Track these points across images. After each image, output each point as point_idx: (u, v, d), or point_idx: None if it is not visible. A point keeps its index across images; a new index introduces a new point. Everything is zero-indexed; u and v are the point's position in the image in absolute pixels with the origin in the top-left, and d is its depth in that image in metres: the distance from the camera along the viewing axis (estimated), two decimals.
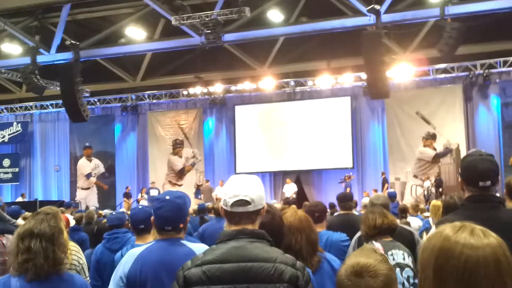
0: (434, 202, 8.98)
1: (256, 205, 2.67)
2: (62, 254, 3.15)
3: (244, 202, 2.65)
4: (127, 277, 3.31)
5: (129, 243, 5.44)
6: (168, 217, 3.39)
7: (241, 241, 2.60)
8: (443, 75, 21.93)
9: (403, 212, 9.08)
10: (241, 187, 2.68)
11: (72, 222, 8.41)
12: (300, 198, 20.89)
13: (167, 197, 3.45)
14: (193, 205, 14.07)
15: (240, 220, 2.67)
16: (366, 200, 9.28)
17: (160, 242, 3.43)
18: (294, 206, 7.42)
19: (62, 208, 12.12)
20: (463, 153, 20.56)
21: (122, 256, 3.92)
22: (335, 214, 8.22)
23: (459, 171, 3.26)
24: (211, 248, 2.68)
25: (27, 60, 20.94)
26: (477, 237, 1.55)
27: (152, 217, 3.51)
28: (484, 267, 1.50)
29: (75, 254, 4.82)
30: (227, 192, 2.70)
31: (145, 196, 22.70)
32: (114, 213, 6.49)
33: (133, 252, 3.44)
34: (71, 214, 11.30)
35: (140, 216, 4.81)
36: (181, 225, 3.45)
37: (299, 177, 23.85)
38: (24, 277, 3.04)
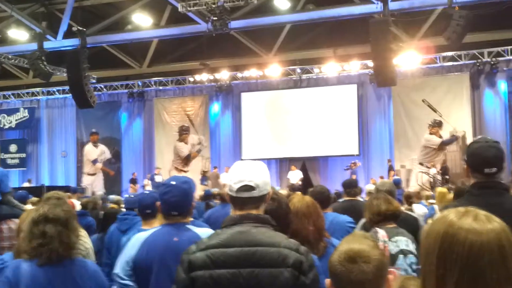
0: (440, 189, 9.00)
1: (261, 191, 2.68)
2: (75, 238, 3.17)
3: (248, 188, 2.66)
4: (134, 261, 3.35)
5: (136, 226, 5.57)
6: (175, 202, 3.42)
7: (245, 226, 2.62)
8: (450, 63, 21.82)
9: (408, 198, 9.09)
10: (246, 173, 2.70)
11: (78, 208, 8.48)
12: (306, 185, 20.86)
13: (173, 182, 3.48)
14: (199, 191, 14.14)
15: (245, 205, 2.68)
16: (370, 187, 9.30)
17: (166, 226, 3.46)
18: (299, 192, 7.46)
19: (68, 193, 12.19)
20: (469, 141, 20.50)
21: (128, 240, 3.95)
22: (340, 200, 8.25)
23: (465, 157, 3.27)
24: (216, 233, 2.70)
25: (34, 46, 20.94)
26: (481, 222, 1.52)
27: (158, 202, 3.54)
28: (488, 253, 1.48)
29: (81, 239, 4.85)
30: (232, 178, 2.71)
31: (146, 181, 22.77)
32: (132, 195, 6.60)
33: (139, 237, 3.48)
34: (78, 199, 11.36)
35: (147, 201, 4.86)
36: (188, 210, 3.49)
37: (304, 164, 23.85)
38: (37, 262, 3.04)
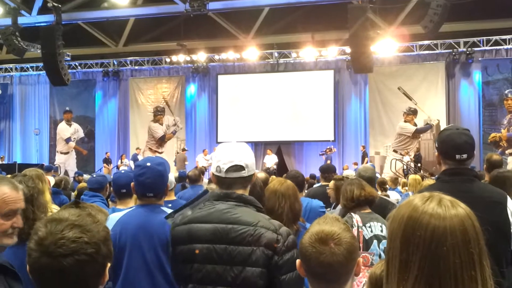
0: (414, 176, 9.08)
1: (249, 171, 2.73)
2: (42, 214, 3.11)
3: (239, 168, 2.70)
4: None
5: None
6: (150, 184, 3.39)
7: (227, 204, 2.67)
8: (426, 52, 21.96)
9: (382, 184, 9.14)
10: (236, 153, 2.72)
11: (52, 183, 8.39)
12: (281, 169, 20.96)
13: (148, 164, 3.43)
14: (174, 173, 14.05)
15: (232, 185, 2.72)
16: (346, 173, 9.33)
17: (140, 207, 3.44)
18: (274, 176, 7.48)
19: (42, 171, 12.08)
20: None
21: None
22: (316, 185, 8.25)
23: (436, 144, 3.29)
24: (199, 207, 2.75)
25: (8, 21, 20.59)
26: (445, 207, 1.53)
27: (132, 183, 3.50)
28: (451, 237, 1.48)
29: None
30: (220, 158, 2.72)
31: (126, 161, 22.63)
32: (95, 175, 6.40)
33: (113, 217, 3.43)
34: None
35: (122, 181, 4.74)
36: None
37: (280, 148, 23.91)
38: None
